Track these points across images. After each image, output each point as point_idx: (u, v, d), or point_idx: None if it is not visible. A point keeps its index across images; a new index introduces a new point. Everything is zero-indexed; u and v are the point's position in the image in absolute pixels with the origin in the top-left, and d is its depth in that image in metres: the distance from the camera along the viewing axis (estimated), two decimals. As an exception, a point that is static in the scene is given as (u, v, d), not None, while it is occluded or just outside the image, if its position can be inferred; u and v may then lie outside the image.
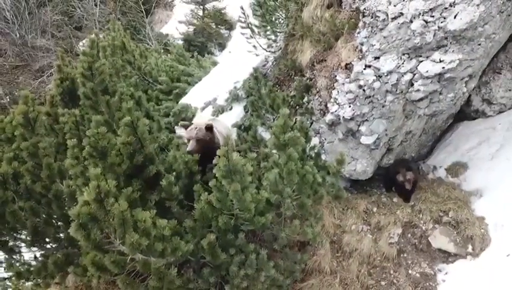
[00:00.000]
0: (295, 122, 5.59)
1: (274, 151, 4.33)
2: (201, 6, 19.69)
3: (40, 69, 19.84)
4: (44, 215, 4.51)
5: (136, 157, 3.92)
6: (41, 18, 20.90)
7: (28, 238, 4.65)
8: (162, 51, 16.09)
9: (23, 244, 4.82)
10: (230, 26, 19.65)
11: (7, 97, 18.10)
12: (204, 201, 3.94)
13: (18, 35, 20.23)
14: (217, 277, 4.20)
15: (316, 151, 5.51)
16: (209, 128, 4.95)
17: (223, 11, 19.68)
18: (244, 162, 3.78)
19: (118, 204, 3.18)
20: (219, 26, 19.48)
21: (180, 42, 18.14)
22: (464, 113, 6.83)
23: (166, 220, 3.62)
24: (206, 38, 18.50)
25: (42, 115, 4.35)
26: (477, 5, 4.71)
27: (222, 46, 19.08)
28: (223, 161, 3.64)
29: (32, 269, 4.59)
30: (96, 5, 20.38)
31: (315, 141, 6.45)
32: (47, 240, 4.75)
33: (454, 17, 4.82)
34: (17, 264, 4.63)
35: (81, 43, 19.89)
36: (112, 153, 3.86)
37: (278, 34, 7.40)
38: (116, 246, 3.49)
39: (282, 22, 7.34)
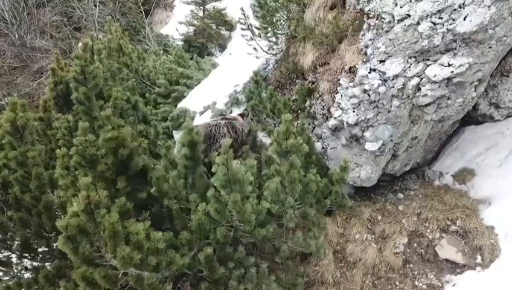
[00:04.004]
0: (296, 125, 5.39)
1: (275, 156, 4.15)
2: (202, 7, 19.52)
3: (38, 70, 19.72)
4: (34, 227, 4.31)
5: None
6: (40, 19, 20.77)
7: (18, 249, 4.46)
8: (162, 52, 15.92)
9: (13, 256, 4.64)
10: (230, 27, 19.49)
11: (5, 99, 17.94)
12: (202, 212, 3.75)
13: (17, 36, 20.09)
14: (215, 292, 4.00)
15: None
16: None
17: (223, 12, 19.50)
18: (244, 171, 3.58)
19: (108, 215, 2.99)
20: (219, 27, 19.31)
21: (180, 43, 17.97)
22: (471, 117, 6.62)
23: (161, 232, 3.43)
24: (207, 39, 18.34)
25: (32, 122, 4.14)
26: (488, 7, 4.49)
27: (222, 47, 18.93)
28: (222, 170, 3.45)
29: (22, 282, 4.39)
30: (95, 6, 20.22)
31: (317, 146, 6.26)
32: (38, 251, 4.56)
33: (464, 19, 4.60)
34: (7, 278, 4.43)
35: (80, 44, 19.74)
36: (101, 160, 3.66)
37: (279, 36, 7.21)
38: (107, 260, 3.31)
39: (283, 23, 7.14)
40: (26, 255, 4.54)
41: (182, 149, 4.22)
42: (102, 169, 3.52)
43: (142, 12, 19.90)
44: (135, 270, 3.36)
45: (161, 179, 3.97)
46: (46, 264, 4.59)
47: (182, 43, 18.06)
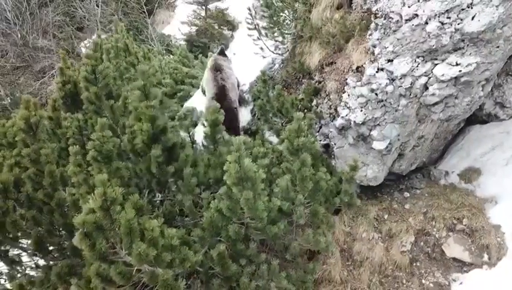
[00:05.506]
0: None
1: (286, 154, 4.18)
2: (204, 7, 19.54)
3: (41, 70, 19.71)
4: (46, 225, 4.34)
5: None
6: (42, 19, 20.76)
7: (30, 247, 4.49)
8: (165, 52, 15.94)
9: (24, 254, 4.67)
10: (232, 27, 19.48)
11: (8, 98, 17.95)
12: (214, 209, 3.78)
13: (19, 35, 20.08)
14: (226, 289, 4.03)
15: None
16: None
17: (225, 12, 19.52)
18: (256, 169, 3.61)
19: (124, 212, 3.02)
20: (222, 27, 19.30)
21: (183, 43, 17.98)
22: (476, 117, 6.64)
23: (174, 229, 3.46)
24: (209, 39, 18.33)
25: (44, 120, 4.17)
26: (496, 6, 4.53)
27: (225, 47, 18.91)
28: (234, 167, 3.47)
29: (34, 279, 4.42)
30: (97, 6, 20.22)
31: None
32: (50, 249, 4.59)
33: (472, 19, 4.64)
34: (19, 275, 4.46)
35: (82, 44, 19.76)
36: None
37: (286, 35, 7.23)
38: (122, 257, 3.34)
39: (290, 23, 7.18)
40: (38, 253, 4.57)
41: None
42: (117, 165, 3.54)
43: (144, 12, 19.92)
44: (149, 267, 3.39)
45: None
46: (57, 262, 4.62)
47: (185, 43, 18.07)
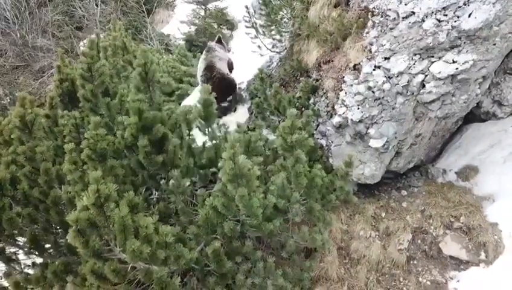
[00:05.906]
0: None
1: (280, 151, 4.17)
2: (203, 6, 19.53)
3: (40, 70, 19.73)
4: (42, 222, 4.34)
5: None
6: (41, 18, 20.79)
7: (26, 245, 4.49)
8: (164, 51, 15.94)
9: (20, 252, 4.67)
10: (232, 26, 19.47)
11: (7, 98, 17.96)
12: (209, 206, 3.78)
13: (18, 35, 20.11)
14: (222, 286, 4.03)
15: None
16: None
17: (224, 11, 19.51)
18: (251, 166, 3.61)
19: (118, 209, 3.01)
20: (221, 26, 19.29)
21: (182, 42, 17.99)
22: (474, 115, 6.63)
23: (169, 226, 3.46)
24: (208, 38, 18.31)
25: (40, 118, 4.18)
26: (493, 4, 4.53)
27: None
28: (229, 165, 3.47)
29: (30, 277, 4.42)
30: (97, 5, 20.23)
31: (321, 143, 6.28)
32: (46, 247, 4.59)
33: (469, 16, 4.64)
34: (15, 273, 4.46)
35: (81, 43, 19.76)
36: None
37: (283, 33, 7.23)
38: (116, 254, 3.33)
39: (287, 21, 7.17)
40: (34, 251, 4.57)
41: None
42: (112, 164, 3.53)
43: (143, 11, 19.93)
44: (143, 264, 3.39)
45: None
46: (53, 260, 4.62)
47: (184, 42, 18.07)
